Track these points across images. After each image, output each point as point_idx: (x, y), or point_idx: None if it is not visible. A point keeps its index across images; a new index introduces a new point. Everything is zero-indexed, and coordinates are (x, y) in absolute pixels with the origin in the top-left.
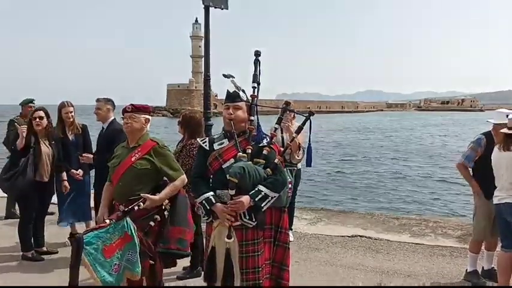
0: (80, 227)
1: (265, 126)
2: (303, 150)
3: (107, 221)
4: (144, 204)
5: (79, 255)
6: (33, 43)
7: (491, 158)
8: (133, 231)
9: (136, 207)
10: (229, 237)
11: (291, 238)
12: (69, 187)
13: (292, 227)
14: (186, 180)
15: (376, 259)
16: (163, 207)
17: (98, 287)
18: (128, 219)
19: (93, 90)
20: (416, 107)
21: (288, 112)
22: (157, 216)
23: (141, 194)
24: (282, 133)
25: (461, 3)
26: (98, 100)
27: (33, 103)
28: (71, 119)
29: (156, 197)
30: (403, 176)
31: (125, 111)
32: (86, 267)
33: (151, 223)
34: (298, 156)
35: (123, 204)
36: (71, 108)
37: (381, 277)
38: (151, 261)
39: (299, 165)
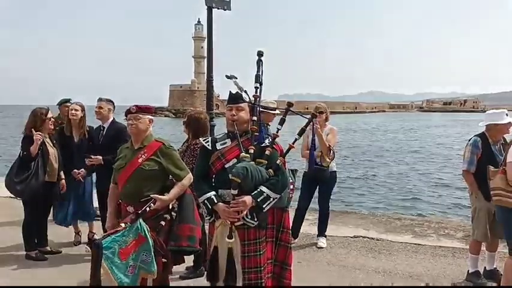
0: (82, 227)
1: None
2: (334, 153)
3: (122, 225)
4: (154, 205)
5: (99, 261)
6: (33, 43)
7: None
8: (146, 232)
9: (148, 209)
10: (230, 237)
11: (324, 245)
12: (65, 185)
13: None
14: (192, 178)
15: (378, 259)
16: (170, 206)
17: (109, 287)
18: (141, 220)
19: (93, 90)
20: (418, 108)
21: (318, 114)
22: (167, 216)
23: (151, 195)
24: (313, 136)
25: (463, 3)
26: (100, 99)
27: (70, 102)
28: (77, 119)
29: (166, 197)
30: (405, 176)
31: (129, 112)
32: (104, 271)
33: (162, 222)
34: (328, 159)
35: (131, 205)
36: (77, 107)
37: (383, 277)
38: (163, 260)
39: (334, 168)
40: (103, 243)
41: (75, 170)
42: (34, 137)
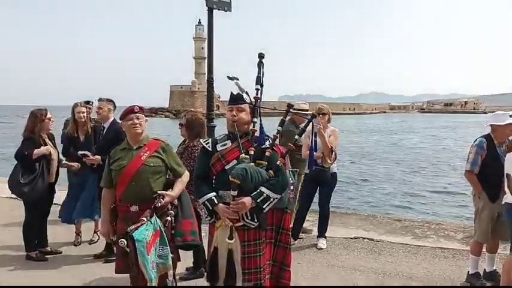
0: (83, 227)
1: (267, 128)
2: (335, 154)
3: (144, 219)
4: (164, 200)
5: (137, 254)
6: (33, 43)
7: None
8: (161, 227)
9: (159, 204)
10: (230, 238)
11: (324, 246)
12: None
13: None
14: (189, 176)
15: (378, 261)
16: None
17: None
18: (155, 215)
19: (95, 91)
20: (419, 109)
21: (321, 116)
22: (172, 212)
23: (159, 192)
24: (315, 137)
25: (464, 3)
26: (99, 100)
27: (90, 104)
28: (83, 120)
29: (173, 193)
30: (406, 177)
31: (132, 111)
32: (140, 267)
33: (168, 218)
34: (329, 160)
35: (135, 204)
36: (83, 109)
37: (383, 279)
38: (171, 255)
39: (334, 169)
40: (134, 236)
41: (87, 153)
42: (43, 149)
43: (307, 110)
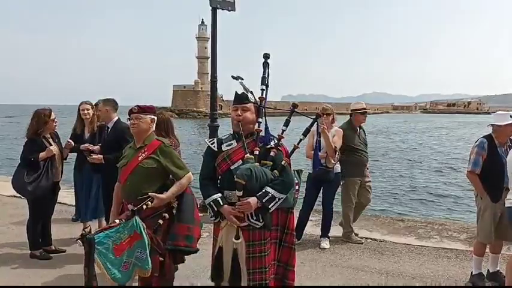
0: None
1: (271, 128)
2: (339, 154)
3: (117, 221)
4: (152, 203)
5: (92, 256)
6: (34, 42)
7: (507, 160)
8: (142, 230)
9: (144, 206)
10: (237, 238)
11: (327, 246)
12: (73, 144)
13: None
14: (192, 178)
15: (381, 261)
16: (171, 205)
17: (113, 287)
18: (137, 218)
19: (97, 90)
20: (422, 109)
21: (325, 116)
22: (166, 214)
23: (149, 193)
24: (319, 137)
25: (466, 3)
26: (98, 101)
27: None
28: (89, 117)
29: (163, 195)
30: (408, 178)
31: (131, 112)
32: (98, 267)
33: (160, 221)
34: (333, 160)
35: (131, 203)
36: (88, 106)
37: (386, 279)
38: (160, 258)
39: (338, 169)
40: (95, 239)
41: (92, 151)
42: (50, 149)
43: (364, 109)
